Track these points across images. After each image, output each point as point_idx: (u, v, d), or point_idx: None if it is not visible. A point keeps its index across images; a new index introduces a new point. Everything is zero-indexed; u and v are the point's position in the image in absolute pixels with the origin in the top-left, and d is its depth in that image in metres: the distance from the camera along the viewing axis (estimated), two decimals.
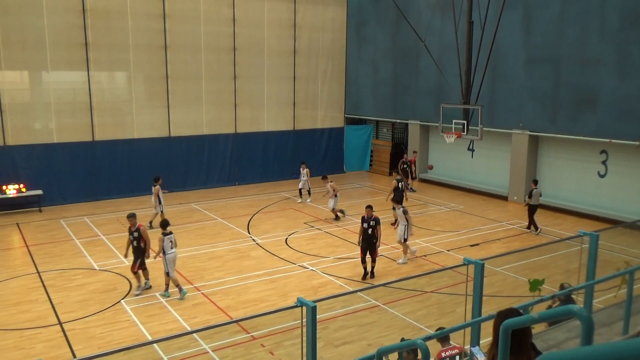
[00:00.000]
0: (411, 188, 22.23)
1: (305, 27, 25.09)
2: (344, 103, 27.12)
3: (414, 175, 22.86)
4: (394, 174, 18.98)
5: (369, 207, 12.98)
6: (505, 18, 17.30)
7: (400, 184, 17.71)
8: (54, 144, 19.86)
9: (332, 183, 18.02)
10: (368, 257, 12.85)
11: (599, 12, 16.95)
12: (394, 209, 17.11)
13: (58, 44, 19.46)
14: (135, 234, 11.96)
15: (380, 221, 12.91)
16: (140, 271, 11.96)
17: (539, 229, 16.60)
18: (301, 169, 20.52)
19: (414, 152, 23.95)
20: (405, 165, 22.43)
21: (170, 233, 11.94)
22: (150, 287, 12.14)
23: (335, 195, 17.86)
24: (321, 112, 26.38)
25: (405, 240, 13.82)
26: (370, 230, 12.67)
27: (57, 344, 9.64)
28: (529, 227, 16.82)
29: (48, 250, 14.86)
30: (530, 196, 16.69)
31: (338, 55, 26.52)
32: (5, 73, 18.94)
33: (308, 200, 20.39)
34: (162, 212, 16.82)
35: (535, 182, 17.03)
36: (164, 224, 12.16)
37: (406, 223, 13.76)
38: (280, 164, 24.96)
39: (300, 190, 20.51)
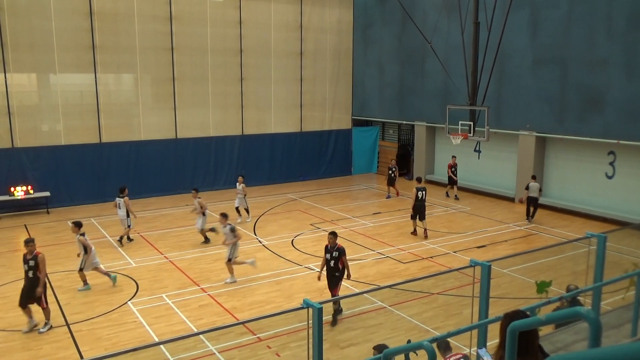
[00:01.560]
0: (455, 196, 21.35)
1: (312, 29, 25.12)
2: (351, 105, 27.12)
3: (454, 179, 21.43)
4: (415, 181, 17.42)
5: (333, 234, 10.72)
6: (512, 19, 17.27)
7: (420, 193, 16.10)
8: (61, 146, 19.98)
9: (199, 199, 15.84)
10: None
11: (606, 13, 16.86)
12: (414, 216, 16.24)
13: (66, 47, 19.58)
14: (31, 263, 10.19)
15: (345, 251, 10.69)
16: (30, 305, 10.20)
17: (531, 219, 17.91)
18: (237, 183, 17.94)
19: (453, 156, 21.92)
20: (391, 172, 21.47)
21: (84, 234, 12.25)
22: (37, 325, 10.33)
23: (204, 214, 15.70)
24: (328, 114, 26.38)
25: (230, 260, 12.58)
26: (332, 262, 10.52)
27: (64, 345, 9.68)
28: (528, 216, 17.99)
29: (55, 251, 14.92)
30: (527, 188, 17.75)
31: (345, 57, 26.52)
32: (14, 75, 19.08)
33: (248, 220, 17.90)
34: (129, 225, 15.51)
35: (534, 177, 18.19)
36: (78, 223, 12.24)
37: (234, 241, 12.54)
38: (287, 166, 25.00)
39: (237, 208, 17.91)
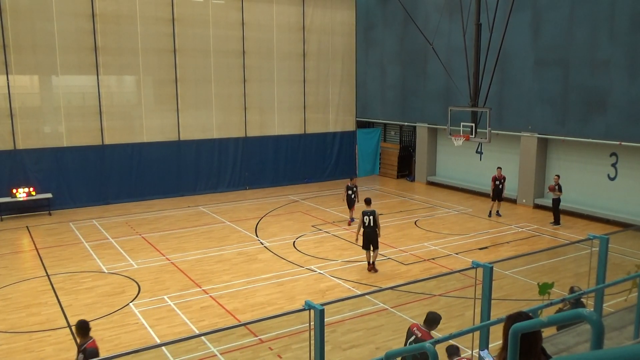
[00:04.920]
0: (497, 212, 18.80)
1: (314, 31, 25.11)
2: (354, 106, 27.07)
3: (501, 196, 18.72)
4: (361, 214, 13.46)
5: (82, 327, 7.05)
6: (514, 20, 17.25)
7: (367, 218, 13.10)
8: (63, 147, 20.00)
9: None
10: None
11: (608, 14, 16.85)
12: (366, 246, 13.24)
13: (68, 49, 19.62)
14: None
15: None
16: None
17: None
18: None
19: (499, 168, 19.07)
20: (350, 192, 17.69)
21: None
22: None
23: None
24: (332, 116, 26.33)
25: None
26: None
27: (66, 346, 9.68)
28: (558, 222, 17.71)
29: (57, 253, 14.95)
30: (560, 189, 17.55)
31: (348, 58, 26.47)
32: (16, 77, 19.12)
33: None
34: None
35: (558, 176, 17.87)
36: None
37: None
38: (291, 168, 24.95)
39: None
